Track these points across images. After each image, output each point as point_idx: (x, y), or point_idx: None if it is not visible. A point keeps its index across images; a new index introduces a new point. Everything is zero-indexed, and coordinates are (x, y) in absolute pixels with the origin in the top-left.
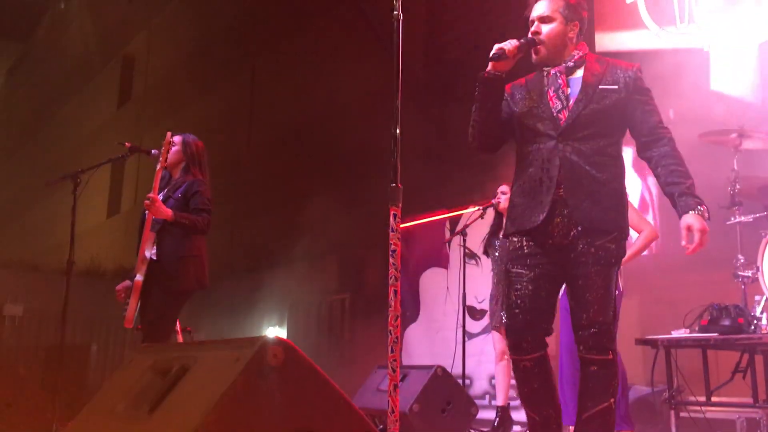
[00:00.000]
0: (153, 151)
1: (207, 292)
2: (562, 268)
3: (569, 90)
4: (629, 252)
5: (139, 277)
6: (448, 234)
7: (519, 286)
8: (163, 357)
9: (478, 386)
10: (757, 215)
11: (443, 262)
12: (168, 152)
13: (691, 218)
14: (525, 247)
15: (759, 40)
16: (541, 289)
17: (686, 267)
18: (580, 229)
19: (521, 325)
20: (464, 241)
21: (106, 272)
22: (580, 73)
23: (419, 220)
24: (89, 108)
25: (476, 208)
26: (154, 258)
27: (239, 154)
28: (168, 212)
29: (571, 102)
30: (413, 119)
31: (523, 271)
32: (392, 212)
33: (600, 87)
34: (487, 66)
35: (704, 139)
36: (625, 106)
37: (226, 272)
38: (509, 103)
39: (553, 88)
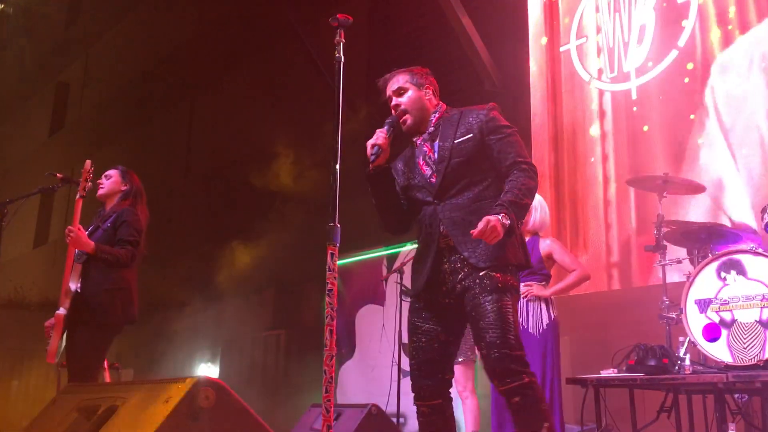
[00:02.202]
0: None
1: (137, 326)
2: (458, 314)
3: (435, 155)
4: (558, 285)
5: (62, 311)
6: (385, 271)
7: (415, 338)
8: (90, 397)
9: (413, 424)
10: (682, 258)
11: (380, 299)
12: (86, 181)
13: (491, 216)
14: (421, 300)
15: (691, 88)
16: (434, 341)
17: (615, 307)
18: (466, 270)
19: (417, 375)
20: (401, 278)
21: (30, 304)
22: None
23: (357, 256)
24: (20, 134)
25: (414, 245)
26: (79, 291)
27: (175, 187)
28: (90, 245)
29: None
30: (353, 155)
31: (419, 323)
32: (330, 251)
33: (455, 141)
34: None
35: (631, 184)
36: (484, 149)
37: (159, 306)
38: (396, 179)
39: (421, 157)
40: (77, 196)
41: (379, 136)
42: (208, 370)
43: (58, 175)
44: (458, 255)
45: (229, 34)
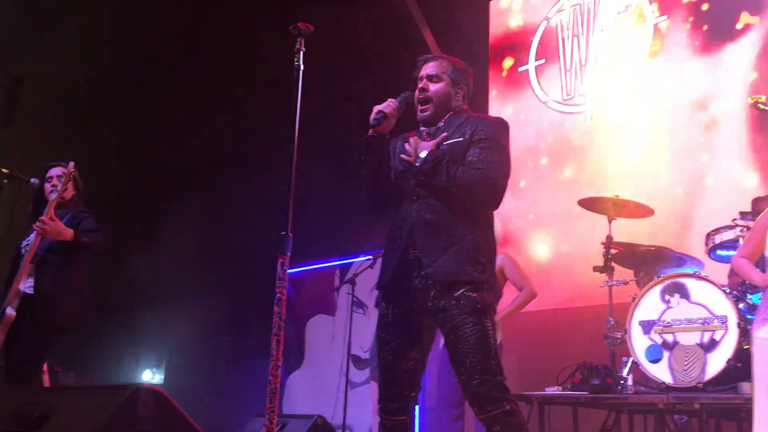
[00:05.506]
0: (33, 180)
1: (81, 329)
2: (428, 330)
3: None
4: (507, 309)
5: (10, 311)
6: (337, 281)
7: (383, 355)
8: (25, 401)
9: None
10: (628, 280)
11: (331, 310)
12: (68, 183)
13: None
14: (390, 315)
15: (644, 113)
16: (401, 359)
17: (561, 326)
18: (439, 287)
19: (383, 390)
20: (353, 289)
21: None
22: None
23: (309, 265)
24: None
25: (367, 257)
26: (30, 292)
27: (128, 186)
28: (69, 231)
29: None
30: (309, 163)
31: (387, 338)
32: (280, 260)
33: (445, 143)
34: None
35: (582, 205)
36: (466, 155)
37: (104, 309)
38: (392, 159)
39: None
40: (53, 197)
41: (389, 104)
42: (152, 375)
43: (3, 170)
44: (426, 268)
45: (189, 34)
